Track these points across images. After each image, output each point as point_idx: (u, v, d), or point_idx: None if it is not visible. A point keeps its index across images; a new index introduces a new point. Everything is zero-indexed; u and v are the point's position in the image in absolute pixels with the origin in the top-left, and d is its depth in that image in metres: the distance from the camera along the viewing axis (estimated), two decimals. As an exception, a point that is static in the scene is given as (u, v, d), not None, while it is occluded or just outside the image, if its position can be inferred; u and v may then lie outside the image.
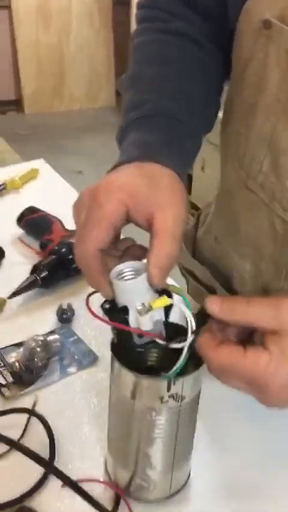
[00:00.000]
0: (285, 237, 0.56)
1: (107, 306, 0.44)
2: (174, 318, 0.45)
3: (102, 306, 0.44)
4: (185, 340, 0.43)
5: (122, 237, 0.48)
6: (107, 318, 0.44)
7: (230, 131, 0.61)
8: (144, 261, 0.44)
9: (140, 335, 0.43)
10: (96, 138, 3.94)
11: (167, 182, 0.46)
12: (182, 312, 0.43)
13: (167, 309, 0.44)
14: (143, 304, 0.42)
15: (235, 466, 0.56)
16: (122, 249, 0.47)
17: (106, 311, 0.44)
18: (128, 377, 0.45)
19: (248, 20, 0.54)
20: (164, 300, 0.42)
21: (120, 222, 0.43)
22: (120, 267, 0.44)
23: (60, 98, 4.51)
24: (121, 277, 0.43)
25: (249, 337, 0.44)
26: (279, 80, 0.51)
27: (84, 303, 0.76)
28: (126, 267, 0.44)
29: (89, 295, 0.45)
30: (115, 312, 0.44)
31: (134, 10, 3.75)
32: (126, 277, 0.43)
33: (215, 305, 0.42)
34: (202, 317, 0.43)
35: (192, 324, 0.43)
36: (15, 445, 0.48)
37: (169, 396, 0.45)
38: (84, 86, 4.56)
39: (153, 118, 0.55)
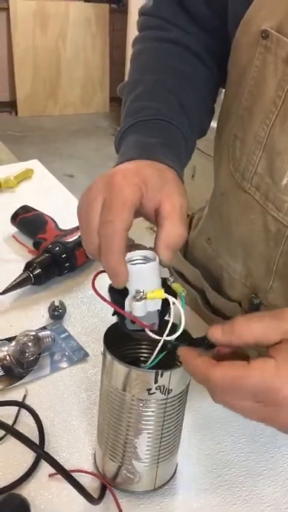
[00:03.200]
0: (277, 235, 0.59)
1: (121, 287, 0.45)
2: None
3: (111, 285, 0.45)
4: (168, 334, 0.44)
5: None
6: (107, 297, 0.45)
7: (227, 136, 0.63)
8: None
9: (133, 321, 0.45)
10: (89, 143, 3.97)
11: (172, 176, 0.49)
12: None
13: (168, 306, 0.45)
14: (142, 291, 0.44)
15: (221, 463, 0.58)
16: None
17: (110, 289, 0.45)
18: (118, 368, 0.47)
19: (246, 30, 0.56)
20: (159, 293, 0.43)
21: (137, 205, 0.45)
22: (131, 253, 0.45)
23: (55, 102, 4.53)
24: (130, 262, 0.45)
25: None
26: (276, 87, 0.53)
27: (76, 300, 0.79)
28: (138, 254, 0.45)
29: (97, 274, 0.46)
30: (118, 292, 0.45)
31: (131, 18, 3.79)
32: (136, 263, 0.45)
33: (216, 331, 0.41)
34: (201, 345, 0.44)
35: (182, 320, 0.44)
36: (10, 430, 0.50)
37: (156, 388, 0.46)
38: (79, 91, 4.59)
39: (151, 122, 0.57)
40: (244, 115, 0.59)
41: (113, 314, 0.47)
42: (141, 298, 0.43)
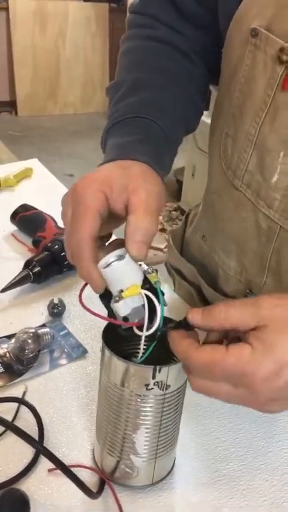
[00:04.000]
0: (269, 232, 0.59)
1: (103, 292, 0.46)
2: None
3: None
4: (149, 328, 0.45)
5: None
6: (95, 310, 0.46)
7: (219, 133, 0.63)
8: None
9: (125, 319, 0.45)
10: (89, 143, 3.97)
11: (138, 170, 0.49)
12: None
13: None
14: (120, 291, 0.44)
15: (219, 457, 0.58)
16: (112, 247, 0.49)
17: (100, 297, 0.46)
18: (116, 364, 0.48)
19: (237, 28, 0.57)
20: (134, 290, 0.44)
21: (103, 209, 0.46)
22: (106, 257, 0.46)
23: (54, 102, 4.53)
24: (108, 266, 0.45)
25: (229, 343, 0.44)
26: (265, 85, 0.54)
27: (75, 298, 0.79)
28: (112, 255, 0.46)
29: (83, 287, 0.47)
30: (107, 298, 0.46)
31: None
32: (111, 265, 0.45)
33: (196, 315, 0.43)
34: (185, 327, 0.45)
35: (158, 313, 0.44)
36: (9, 426, 0.50)
37: (154, 384, 0.47)
38: (79, 91, 4.59)
39: (126, 121, 0.58)
40: (235, 113, 0.59)
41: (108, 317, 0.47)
42: (119, 298, 0.44)
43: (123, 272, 0.44)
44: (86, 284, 0.47)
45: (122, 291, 0.44)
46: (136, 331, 0.46)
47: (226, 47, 0.60)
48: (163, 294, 0.45)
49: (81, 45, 4.44)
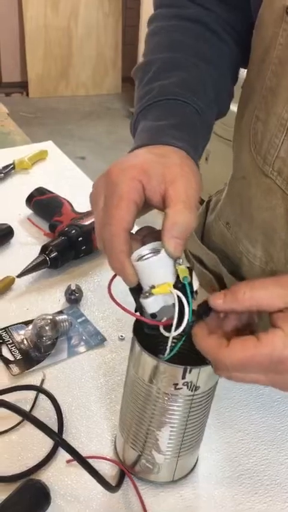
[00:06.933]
0: None
1: (134, 286, 0.44)
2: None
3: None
4: (178, 328, 0.43)
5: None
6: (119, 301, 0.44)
7: (248, 117, 0.61)
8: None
9: (153, 315, 0.43)
10: (101, 124, 3.92)
11: (176, 159, 0.46)
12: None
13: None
14: (152, 286, 0.42)
15: (242, 451, 0.57)
16: (141, 236, 0.47)
17: (130, 290, 0.44)
18: (146, 359, 0.46)
19: (269, 6, 0.54)
20: (166, 288, 0.42)
21: (139, 199, 0.43)
22: (140, 249, 0.43)
23: (66, 83, 4.48)
24: (141, 259, 0.43)
25: (246, 327, 0.43)
26: None
27: (93, 284, 0.78)
28: (146, 248, 0.43)
29: (111, 279, 0.45)
30: (137, 291, 0.44)
31: (144, -4, 3.70)
32: (145, 258, 0.43)
33: (217, 299, 0.42)
34: (204, 310, 0.43)
35: (186, 312, 0.42)
36: (27, 416, 0.49)
37: (183, 384, 0.45)
38: (91, 72, 4.52)
39: (160, 103, 0.55)
40: (267, 95, 0.56)
41: (135, 311, 0.45)
42: (149, 295, 0.42)
43: (156, 268, 0.42)
44: (115, 276, 0.45)
45: (153, 287, 0.42)
46: (163, 331, 0.44)
47: (257, 27, 0.57)
48: (196, 292, 0.43)
49: (94, 25, 4.36)
